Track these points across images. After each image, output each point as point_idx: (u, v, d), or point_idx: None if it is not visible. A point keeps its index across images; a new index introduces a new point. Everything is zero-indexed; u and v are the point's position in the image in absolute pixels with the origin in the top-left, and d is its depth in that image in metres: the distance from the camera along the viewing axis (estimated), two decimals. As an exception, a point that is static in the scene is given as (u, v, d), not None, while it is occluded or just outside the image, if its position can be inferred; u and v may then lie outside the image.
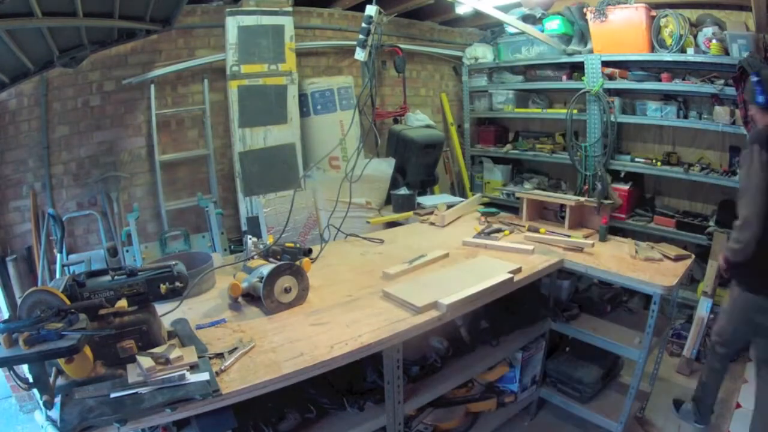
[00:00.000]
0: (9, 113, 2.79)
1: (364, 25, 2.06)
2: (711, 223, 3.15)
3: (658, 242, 2.31)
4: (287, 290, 1.62)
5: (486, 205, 3.10)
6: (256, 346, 1.38)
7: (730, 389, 2.67)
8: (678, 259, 2.09)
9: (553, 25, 3.68)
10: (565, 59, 3.71)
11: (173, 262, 1.37)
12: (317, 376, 1.35)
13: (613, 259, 2.11)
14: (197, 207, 3.25)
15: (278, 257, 1.82)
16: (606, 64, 3.47)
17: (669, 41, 3.14)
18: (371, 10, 2.06)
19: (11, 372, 1.09)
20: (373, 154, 3.88)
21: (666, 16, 3.12)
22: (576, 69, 3.72)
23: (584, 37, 3.63)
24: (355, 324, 1.51)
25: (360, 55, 2.10)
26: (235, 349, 1.35)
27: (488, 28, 4.53)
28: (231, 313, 1.62)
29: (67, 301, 1.14)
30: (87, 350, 1.13)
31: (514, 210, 2.86)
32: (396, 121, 4.12)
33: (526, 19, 3.77)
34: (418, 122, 4.03)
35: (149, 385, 1.15)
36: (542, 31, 3.69)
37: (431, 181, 3.87)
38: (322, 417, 1.63)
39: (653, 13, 3.20)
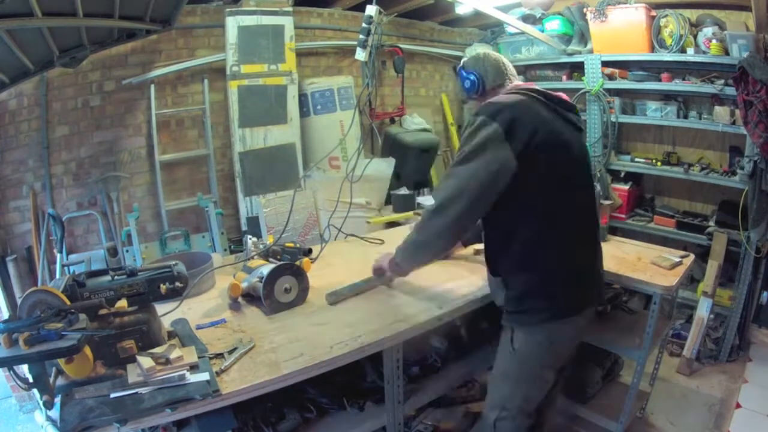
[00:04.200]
0: (9, 113, 2.79)
1: (364, 25, 2.06)
2: (711, 223, 3.15)
3: (657, 242, 2.31)
4: (287, 290, 1.62)
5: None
6: (257, 346, 1.38)
7: (730, 389, 2.67)
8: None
9: (553, 25, 3.68)
10: (565, 59, 3.72)
11: (173, 262, 1.37)
12: (317, 376, 1.35)
13: (614, 259, 2.11)
14: (197, 207, 3.25)
15: (278, 257, 1.82)
16: (606, 64, 3.47)
17: (669, 41, 3.14)
18: (371, 10, 2.06)
19: (11, 372, 1.09)
20: (372, 154, 3.89)
21: (666, 16, 3.12)
22: (576, 69, 3.72)
23: (584, 37, 3.63)
24: (355, 324, 1.51)
25: (360, 55, 2.10)
26: (235, 349, 1.35)
27: (488, 28, 4.52)
28: (231, 313, 1.62)
29: (67, 301, 1.14)
30: (87, 350, 1.13)
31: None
32: (393, 122, 4.12)
33: (526, 19, 3.77)
34: (415, 126, 4.04)
35: (149, 386, 1.15)
36: (542, 31, 3.69)
37: (424, 183, 3.91)
38: (322, 417, 1.63)
39: (653, 13, 3.20)
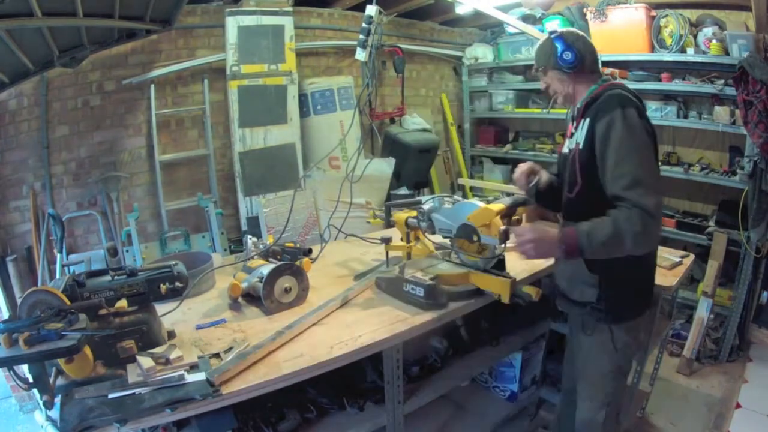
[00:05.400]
0: (9, 113, 2.79)
1: (364, 25, 2.06)
2: (711, 223, 3.15)
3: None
4: (287, 290, 1.62)
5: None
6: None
7: (730, 389, 2.67)
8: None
9: (553, 25, 3.68)
10: (565, 59, 3.71)
11: (173, 262, 1.37)
12: (317, 376, 1.35)
13: (613, 259, 2.10)
14: (197, 207, 3.25)
15: (278, 257, 1.82)
16: (606, 64, 3.46)
17: (669, 41, 3.14)
18: (371, 10, 2.06)
19: (11, 372, 1.08)
20: (372, 154, 3.89)
21: (666, 16, 3.13)
22: (576, 69, 3.72)
23: (584, 37, 3.63)
24: (355, 324, 1.51)
25: (360, 55, 2.10)
26: (231, 348, 1.35)
27: (488, 28, 4.53)
28: (231, 313, 1.62)
29: (67, 301, 1.14)
30: (87, 350, 1.13)
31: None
32: (393, 122, 4.13)
33: (526, 19, 3.77)
34: (415, 126, 4.04)
35: (149, 386, 1.15)
36: (542, 31, 3.69)
37: (423, 183, 3.91)
38: (322, 417, 1.63)
39: (653, 13, 3.20)
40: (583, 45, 1.52)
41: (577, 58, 1.49)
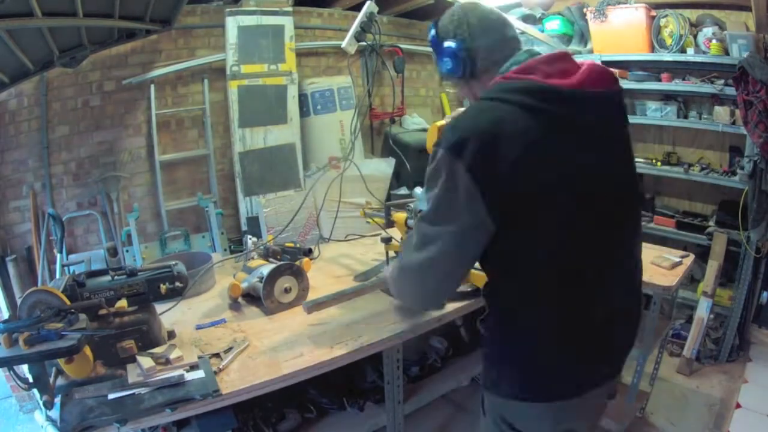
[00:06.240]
0: (9, 113, 2.79)
1: (365, 19, 2.05)
2: (711, 223, 3.15)
3: (657, 242, 2.31)
4: (287, 290, 1.62)
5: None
6: (256, 346, 1.38)
7: (730, 389, 2.67)
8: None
9: (553, 25, 3.68)
10: (565, 59, 3.71)
11: (173, 262, 1.37)
12: (317, 376, 1.35)
13: (613, 259, 2.10)
14: (197, 207, 3.24)
15: (278, 257, 1.82)
16: (606, 64, 3.43)
17: (669, 41, 3.14)
18: (372, 7, 2.06)
19: (11, 372, 1.09)
20: (372, 154, 3.89)
21: (666, 16, 3.12)
22: (576, 69, 3.72)
23: (584, 37, 3.63)
24: (355, 324, 1.51)
25: (348, 45, 2.07)
26: (230, 348, 1.35)
27: (488, 28, 4.52)
28: (231, 313, 1.62)
29: (67, 301, 1.14)
30: (87, 350, 1.13)
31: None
32: (393, 122, 4.13)
33: (526, 19, 3.77)
34: (415, 125, 4.03)
35: (149, 386, 1.15)
36: (542, 31, 3.69)
37: (423, 183, 3.89)
38: (322, 417, 1.64)
39: (653, 13, 3.19)
40: (466, 30, 1.05)
41: (461, 57, 1.05)
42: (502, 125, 0.92)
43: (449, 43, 1.07)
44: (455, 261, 1.03)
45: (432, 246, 1.01)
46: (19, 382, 1.10)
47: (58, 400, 1.11)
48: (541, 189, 0.94)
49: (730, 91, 2.82)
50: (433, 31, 1.12)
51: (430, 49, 1.17)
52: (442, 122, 1.40)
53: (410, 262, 1.07)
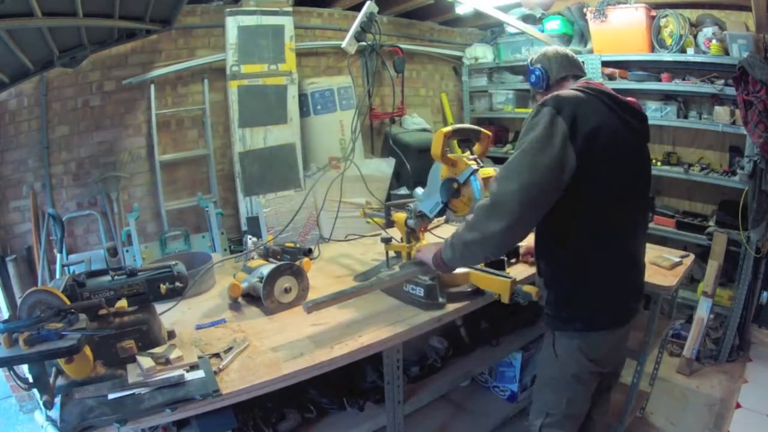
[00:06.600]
0: (9, 113, 2.79)
1: (365, 19, 2.06)
2: (711, 223, 3.15)
3: (657, 242, 2.31)
4: (287, 290, 1.62)
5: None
6: (256, 346, 1.38)
7: (730, 389, 2.67)
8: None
9: (553, 25, 3.68)
10: (565, 59, 3.71)
11: (173, 262, 1.37)
12: (317, 376, 1.35)
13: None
14: (197, 207, 3.25)
15: (278, 257, 1.82)
16: (606, 64, 3.47)
17: (669, 41, 3.14)
18: (372, 7, 2.06)
19: (11, 372, 1.09)
20: (372, 154, 3.89)
21: (666, 16, 3.13)
22: (576, 69, 3.72)
23: (584, 37, 3.63)
24: (355, 324, 1.51)
25: (348, 45, 2.08)
26: (230, 348, 1.35)
27: (488, 28, 4.53)
28: (231, 313, 1.62)
29: (67, 301, 1.14)
30: (87, 350, 1.13)
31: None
32: (393, 122, 4.13)
33: (526, 19, 3.77)
34: (415, 125, 4.04)
35: (149, 386, 1.15)
36: (542, 31, 3.70)
37: (423, 183, 3.90)
38: (322, 417, 1.64)
39: (653, 13, 3.20)
40: (547, 59, 1.54)
41: (542, 75, 1.54)
42: (584, 105, 1.32)
43: (535, 67, 1.56)
44: (547, 187, 1.26)
45: (532, 172, 1.24)
46: (19, 382, 1.10)
47: (58, 400, 1.11)
48: (606, 151, 1.31)
49: (730, 91, 2.82)
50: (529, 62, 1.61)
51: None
52: (448, 129, 1.58)
53: (506, 190, 1.25)
